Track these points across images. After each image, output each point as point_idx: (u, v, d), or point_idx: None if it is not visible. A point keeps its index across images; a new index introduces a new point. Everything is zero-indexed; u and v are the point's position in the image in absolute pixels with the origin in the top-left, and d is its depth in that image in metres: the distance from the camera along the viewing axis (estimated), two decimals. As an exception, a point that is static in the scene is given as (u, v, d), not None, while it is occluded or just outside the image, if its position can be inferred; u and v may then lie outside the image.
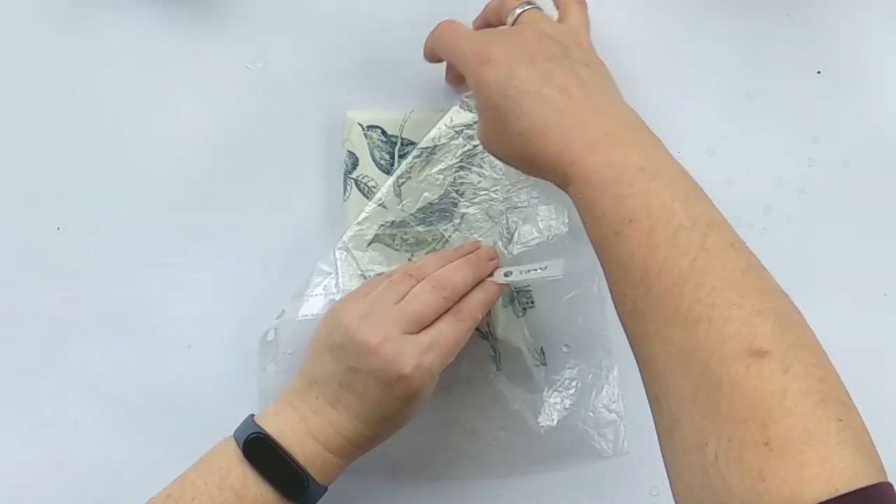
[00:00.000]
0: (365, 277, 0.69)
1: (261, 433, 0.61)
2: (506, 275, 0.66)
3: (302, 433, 0.62)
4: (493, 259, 0.67)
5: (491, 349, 0.70)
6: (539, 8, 0.65)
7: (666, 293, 0.50)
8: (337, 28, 0.74)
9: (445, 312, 0.63)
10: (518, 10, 0.65)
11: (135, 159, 0.74)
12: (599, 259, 0.55)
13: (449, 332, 0.63)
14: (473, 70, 0.60)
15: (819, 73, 0.75)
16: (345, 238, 0.70)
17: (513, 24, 0.65)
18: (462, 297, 0.64)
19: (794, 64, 0.75)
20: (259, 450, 0.61)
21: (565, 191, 0.57)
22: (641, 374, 0.52)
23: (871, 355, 0.73)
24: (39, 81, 0.74)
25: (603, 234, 0.53)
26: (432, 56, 0.68)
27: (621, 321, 0.54)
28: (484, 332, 0.70)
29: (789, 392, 0.46)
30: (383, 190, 0.70)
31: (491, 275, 0.66)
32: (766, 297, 0.49)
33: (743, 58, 0.75)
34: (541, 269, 0.65)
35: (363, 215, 0.70)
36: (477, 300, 0.65)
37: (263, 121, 0.74)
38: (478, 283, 0.65)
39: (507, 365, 0.71)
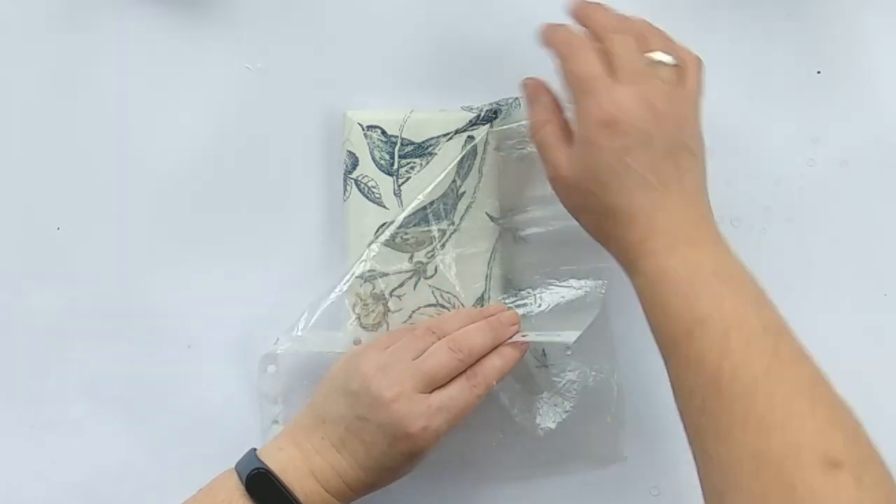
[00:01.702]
0: (366, 278, 0.69)
1: (263, 469, 0.62)
2: (521, 336, 0.67)
3: (303, 471, 0.62)
4: (514, 324, 0.67)
5: (491, 350, 0.70)
6: (681, 66, 0.60)
7: (739, 396, 0.51)
8: (337, 28, 0.74)
9: (461, 374, 0.64)
10: (659, 59, 0.60)
11: (135, 159, 0.73)
12: (662, 353, 0.56)
13: (460, 396, 0.63)
14: (592, 123, 0.58)
15: (819, 73, 0.75)
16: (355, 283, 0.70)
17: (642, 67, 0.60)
18: (479, 359, 0.65)
19: (794, 64, 0.75)
20: (261, 485, 0.61)
21: (628, 275, 0.59)
22: (702, 468, 0.53)
23: (872, 355, 0.73)
24: (40, 81, 0.74)
25: (673, 331, 0.55)
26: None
27: (683, 414, 0.55)
28: (484, 332, 0.70)
29: (863, 503, 0.48)
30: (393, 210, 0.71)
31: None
32: (835, 409, 0.51)
33: (743, 58, 0.75)
34: (556, 336, 0.66)
35: (365, 257, 0.70)
36: (493, 366, 0.65)
37: (263, 121, 0.74)
38: (496, 346, 0.66)
39: (507, 366, 0.71)
